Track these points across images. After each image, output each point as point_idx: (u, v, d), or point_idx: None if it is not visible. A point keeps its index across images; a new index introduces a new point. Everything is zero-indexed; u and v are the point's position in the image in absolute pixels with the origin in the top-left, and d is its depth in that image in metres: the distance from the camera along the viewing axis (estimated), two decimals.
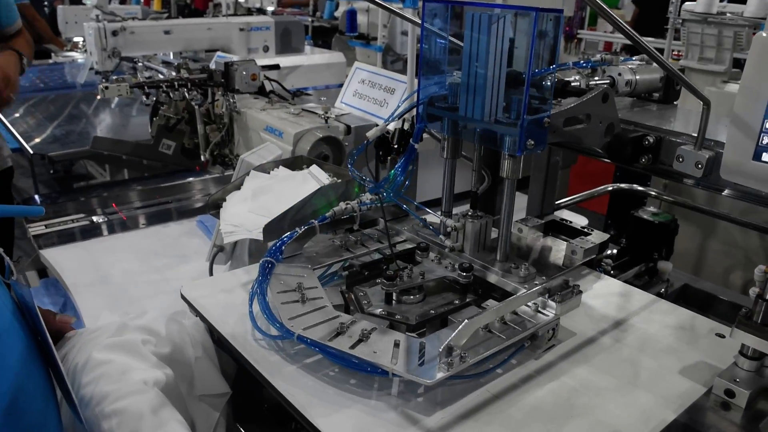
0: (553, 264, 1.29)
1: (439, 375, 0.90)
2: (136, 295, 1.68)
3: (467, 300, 1.16)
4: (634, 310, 1.26)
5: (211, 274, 1.56)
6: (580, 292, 1.12)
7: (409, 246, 1.32)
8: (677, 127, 1.33)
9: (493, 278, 1.19)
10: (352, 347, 0.95)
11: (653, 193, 2.15)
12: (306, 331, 0.99)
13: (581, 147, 1.35)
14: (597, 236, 1.42)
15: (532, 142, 1.07)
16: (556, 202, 1.95)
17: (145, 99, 2.20)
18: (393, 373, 0.91)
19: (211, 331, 1.16)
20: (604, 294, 1.31)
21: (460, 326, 0.93)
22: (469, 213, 1.27)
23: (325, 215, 1.28)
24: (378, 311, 1.09)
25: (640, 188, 2.11)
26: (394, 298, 1.13)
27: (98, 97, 2.24)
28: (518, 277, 1.17)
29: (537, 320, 1.06)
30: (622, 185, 2.10)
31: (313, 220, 1.27)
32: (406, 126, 1.46)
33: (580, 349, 1.12)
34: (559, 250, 1.35)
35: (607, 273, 1.59)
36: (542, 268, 1.23)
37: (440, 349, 0.92)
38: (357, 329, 0.99)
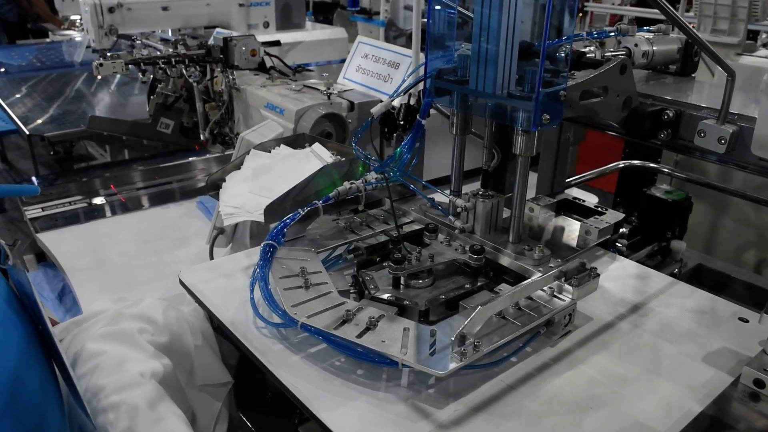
0: (566, 245, 1.24)
1: (452, 366, 0.85)
2: (135, 279, 1.63)
3: (479, 284, 1.11)
4: (652, 293, 1.20)
5: (211, 257, 1.52)
6: (598, 275, 1.06)
7: (416, 227, 1.27)
8: (697, 101, 1.27)
9: (505, 261, 1.14)
10: (359, 336, 0.90)
11: (666, 170, 2.09)
12: (310, 319, 0.93)
13: (597, 122, 1.29)
14: (611, 216, 1.36)
15: (548, 117, 1.01)
16: (567, 180, 1.89)
17: (141, 76, 2.13)
18: (403, 363, 0.86)
19: (211, 318, 1.11)
20: (620, 276, 1.25)
21: (473, 313, 0.87)
22: (480, 192, 1.21)
23: (329, 196, 1.22)
24: (385, 296, 1.04)
25: (652, 165, 2.05)
26: (402, 282, 1.08)
27: (98, 77, 2.16)
28: (532, 260, 1.11)
29: (553, 305, 1.01)
30: (635, 162, 2.04)
31: (316, 201, 1.21)
32: (413, 101, 1.40)
33: (597, 335, 1.06)
34: (572, 230, 1.29)
35: (621, 254, 1.53)
36: (555, 249, 1.18)
37: (452, 338, 0.87)
38: (364, 316, 0.94)
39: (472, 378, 0.94)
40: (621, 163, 2.07)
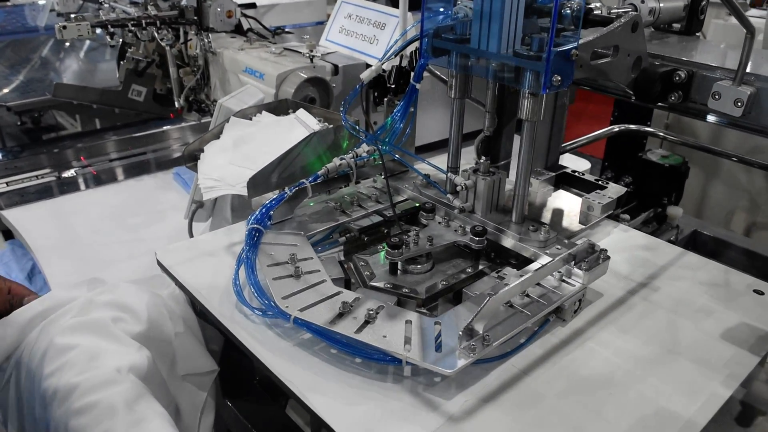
0: (567, 221, 1.17)
1: (461, 363, 0.78)
2: (108, 257, 1.53)
3: (480, 268, 1.03)
4: (661, 265, 1.14)
5: (190, 233, 1.42)
6: (608, 257, 0.99)
7: (412, 206, 1.18)
8: (708, 60, 1.18)
9: (509, 243, 1.06)
10: (358, 331, 0.82)
11: (661, 134, 2.02)
12: (303, 312, 0.85)
13: (604, 84, 1.21)
14: (614, 190, 1.30)
15: (559, 78, 0.92)
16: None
17: (109, 40, 1.99)
18: (407, 361, 0.79)
19: (193, 302, 1.02)
20: (627, 247, 1.19)
21: (483, 304, 0.80)
22: (479, 165, 1.12)
23: (318, 174, 1.13)
24: (383, 284, 0.96)
25: (648, 129, 1.98)
26: (399, 268, 1.00)
27: (66, 42, 2.03)
28: (537, 242, 1.04)
29: (562, 291, 0.94)
30: (631, 126, 1.96)
31: (304, 180, 1.12)
32: (404, 63, 1.30)
33: (609, 312, 1.00)
34: (573, 206, 1.23)
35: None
36: (556, 227, 1.11)
37: (460, 332, 0.79)
38: (362, 309, 0.86)
39: (479, 364, 0.87)
40: (616, 128, 2.00)
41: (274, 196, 1.08)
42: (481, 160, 1.11)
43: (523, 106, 0.99)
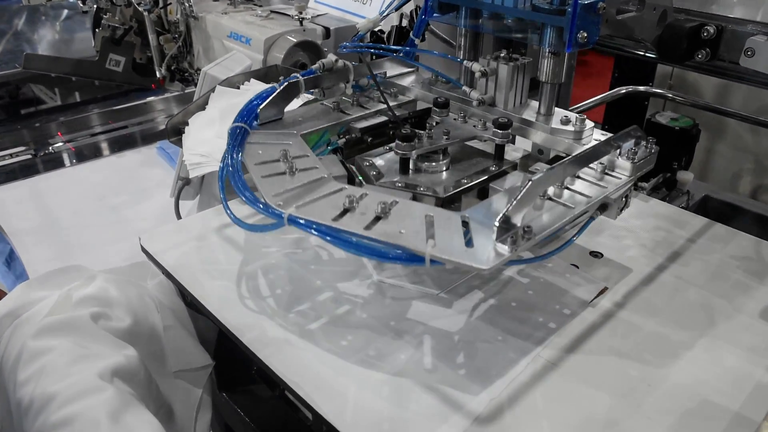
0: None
1: (501, 250, 0.64)
2: (90, 241, 1.43)
3: (504, 167, 0.91)
4: (688, 237, 1.06)
5: (177, 213, 1.32)
6: (657, 148, 0.86)
7: (422, 107, 1.05)
8: (738, 14, 1.09)
9: (538, 137, 0.94)
10: (369, 228, 0.68)
11: (670, 95, 1.93)
12: (300, 209, 0.71)
13: (628, 42, 1.11)
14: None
15: (585, 35, 0.82)
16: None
17: (81, 5, 1.86)
18: (431, 259, 0.64)
19: (182, 292, 0.93)
20: (650, 219, 1.10)
21: (522, 189, 0.67)
22: (502, 54, 0.97)
23: (312, 68, 0.99)
24: (393, 182, 0.84)
25: (657, 90, 1.88)
26: (411, 166, 0.88)
27: (38, 6, 1.89)
28: (572, 133, 0.91)
29: (607, 184, 0.81)
30: (639, 87, 1.86)
31: (296, 74, 0.98)
32: (404, 22, 1.19)
33: (639, 291, 0.91)
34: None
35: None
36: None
37: (496, 222, 0.65)
38: (371, 203, 0.71)
39: (503, 355, 0.78)
40: (623, 89, 1.90)
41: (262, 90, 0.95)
42: (502, 54, 0.97)
43: (542, 66, 0.89)
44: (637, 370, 0.77)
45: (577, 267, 0.96)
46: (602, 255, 0.99)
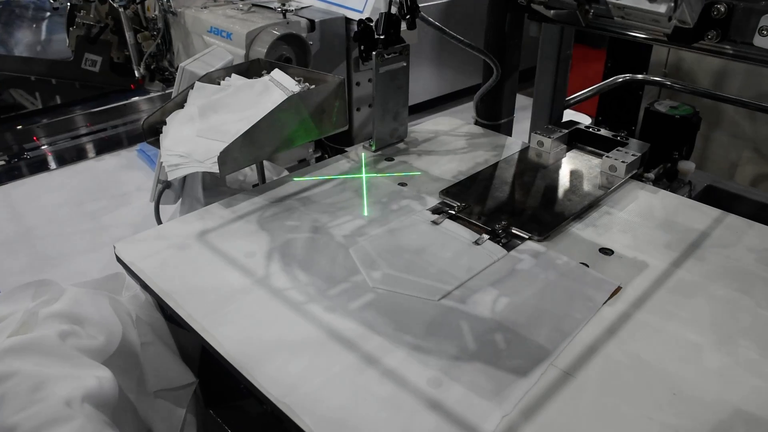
0: (588, 185, 1.03)
1: None
2: (66, 250, 1.35)
3: None
4: (703, 230, 0.99)
5: (158, 219, 1.24)
6: None
7: None
8: None
9: None
10: None
11: (668, 83, 1.86)
12: None
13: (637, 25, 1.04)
14: (636, 146, 1.16)
15: None
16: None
17: (52, 2, 1.77)
18: None
19: (161, 305, 0.85)
20: (660, 212, 1.04)
21: None
22: None
23: None
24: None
25: (655, 78, 1.82)
26: None
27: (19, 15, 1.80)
28: None
29: None
30: (637, 76, 1.80)
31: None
32: (394, 10, 1.12)
33: (655, 290, 0.85)
34: (592, 166, 1.08)
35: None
36: (577, 192, 0.96)
37: None
38: None
39: (513, 365, 0.71)
40: (620, 78, 1.84)
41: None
42: None
43: None
44: (659, 376, 0.70)
45: (587, 266, 0.89)
46: (613, 252, 0.93)
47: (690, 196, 1.71)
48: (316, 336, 0.77)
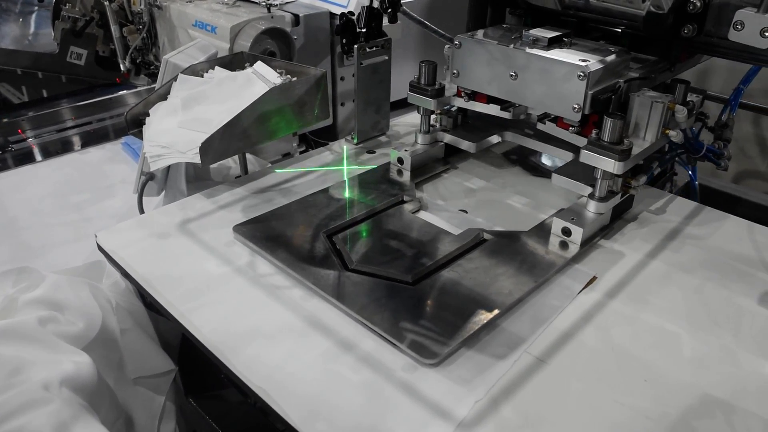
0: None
1: None
2: (49, 242, 1.35)
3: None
4: (679, 222, 1.01)
5: (141, 210, 1.24)
6: None
7: None
8: None
9: None
10: None
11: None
12: None
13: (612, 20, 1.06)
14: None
15: None
16: None
17: None
18: None
19: (141, 293, 0.86)
20: (639, 205, 1.05)
21: None
22: None
23: None
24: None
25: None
26: None
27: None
28: None
29: None
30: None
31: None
32: (376, 4, 1.13)
33: (629, 279, 0.86)
34: None
35: None
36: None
37: None
38: None
39: (487, 351, 0.72)
40: None
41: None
42: None
43: None
44: (633, 365, 0.72)
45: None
46: None
47: (672, 191, 1.73)
48: (293, 322, 0.77)
